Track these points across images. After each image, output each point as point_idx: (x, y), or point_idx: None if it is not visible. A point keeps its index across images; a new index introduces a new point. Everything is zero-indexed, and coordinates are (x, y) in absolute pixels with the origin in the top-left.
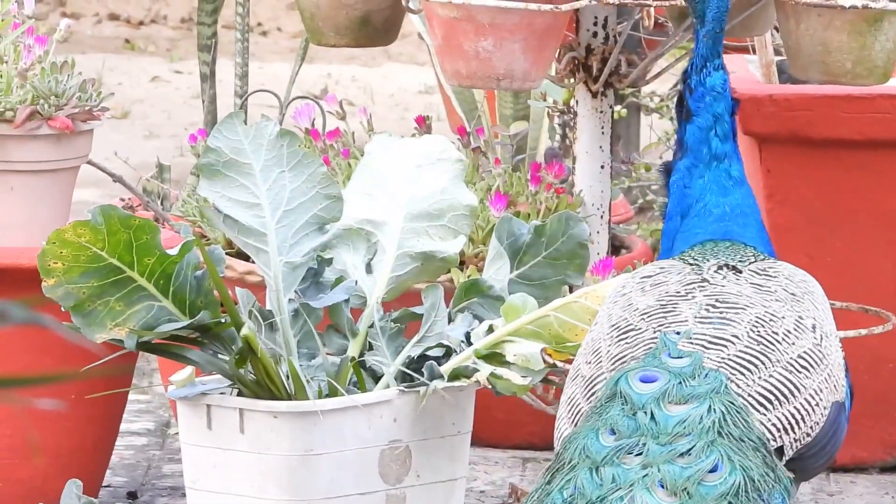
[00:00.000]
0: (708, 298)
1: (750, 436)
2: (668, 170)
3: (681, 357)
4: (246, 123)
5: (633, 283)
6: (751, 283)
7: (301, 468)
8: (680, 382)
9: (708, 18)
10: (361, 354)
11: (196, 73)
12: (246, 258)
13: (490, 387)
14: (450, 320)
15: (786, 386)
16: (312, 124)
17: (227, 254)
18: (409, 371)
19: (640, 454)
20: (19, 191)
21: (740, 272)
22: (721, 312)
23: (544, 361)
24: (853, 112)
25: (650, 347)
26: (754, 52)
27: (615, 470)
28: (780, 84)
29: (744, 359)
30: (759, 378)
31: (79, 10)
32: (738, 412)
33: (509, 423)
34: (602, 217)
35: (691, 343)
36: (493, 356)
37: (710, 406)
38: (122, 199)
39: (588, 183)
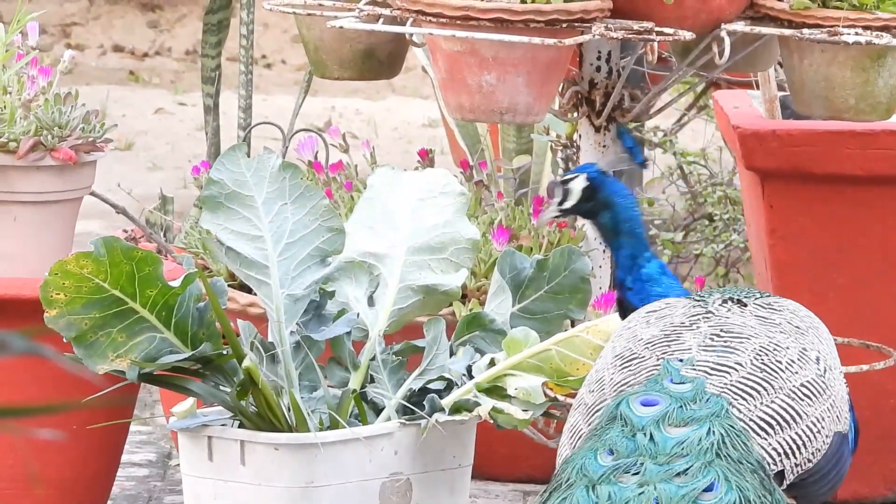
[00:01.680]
0: (712, 328)
1: (749, 458)
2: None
3: (683, 382)
4: (249, 156)
5: (639, 317)
6: (755, 316)
7: (302, 500)
8: (681, 406)
9: (623, 229)
10: (363, 387)
11: (200, 105)
12: (248, 290)
13: (491, 421)
14: (451, 353)
15: (787, 412)
16: (315, 157)
17: (229, 286)
18: (409, 405)
19: (637, 473)
20: (22, 221)
21: (745, 305)
22: (725, 341)
23: (545, 395)
24: (856, 148)
25: (652, 374)
26: (758, 87)
27: (611, 488)
28: (784, 119)
29: (746, 385)
30: (761, 403)
31: (83, 42)
32: (737, 435)
33: (510, 457)
34: (605, 251)
35: (694, 370)
36: (495, 390)
37: (709, 429)
38: (125, 231)
39: None
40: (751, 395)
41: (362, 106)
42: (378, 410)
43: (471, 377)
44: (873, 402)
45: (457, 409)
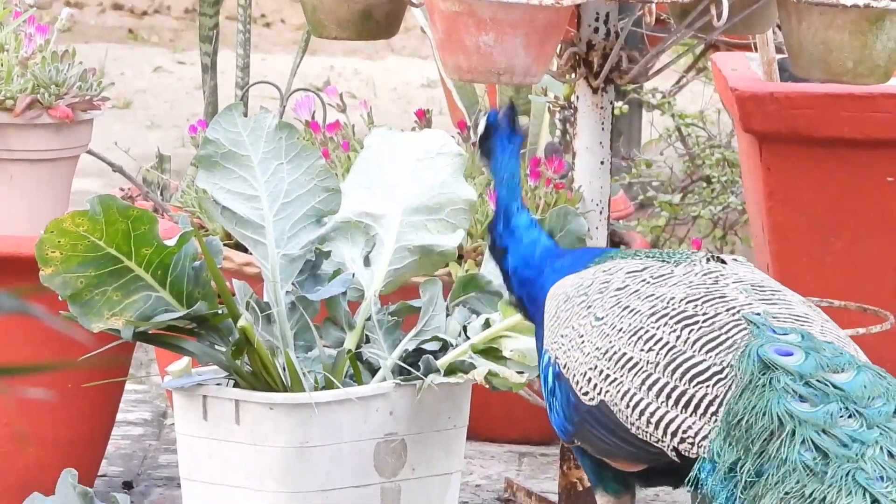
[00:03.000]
0: (742, 283)
1: None
2: (507, 283)
3: (786, 333)
4: (246, 115)
5: (622, 275)
6: (746, 270)
7: (297, 460)
8: (816, 353)
9: (497, 177)
10: (358, 347)
11: (199, 63)
12: (244, 250)
13: (487, 385)
14: (447, 314)
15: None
16: (313, 116)
17: (225, 245)
18: (405, 365)
19: (852, 416)
20: (19, 180)
21: (725, 263)
22: (769, 294)
23: None
24: (854, 111)
25: (738, 327)
26: (756, 49)
27: (846, 431)
28: (782, 82)
29: (830, 333)
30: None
31: (83, 0)
32: (883, 374)
33: (506, 419)
34: (601, 213)
35: (777, 321)
36: (490, 351)
37: (865, 371)
38: (122, 189)
39: (587, 179)
40: (839, 341)
41: (361, 66)
42: (373, 371)
43: (466, 338)
44: None
45: (452, 370)
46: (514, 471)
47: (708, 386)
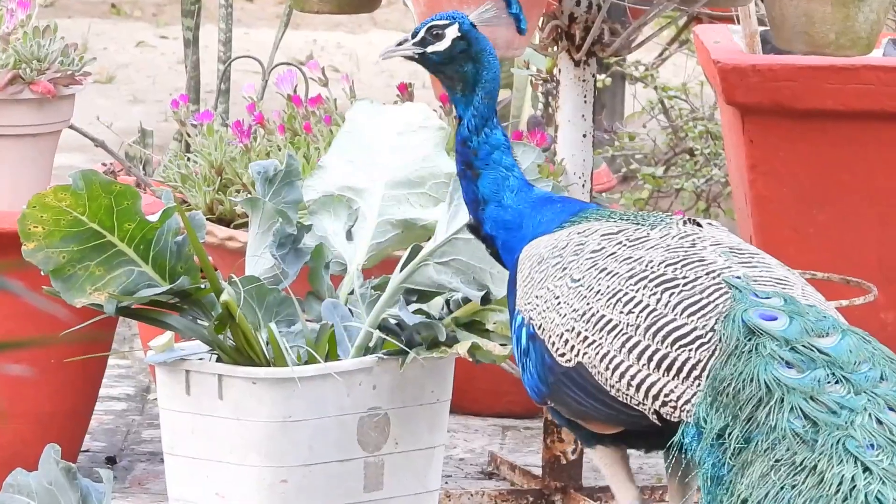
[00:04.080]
0: (720, 246)
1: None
2: (475, 228)
3: (769, 297)
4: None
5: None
6: (722, 234)
7: (280, 435)
8: (800, 317)
9: (484, 86)
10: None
11: (182, 38)
12: (227, 224)
13: (470, 358)
14: None
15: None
16: (295, 90)
17: (207, 219)
18: (389, 338)
19: (839, 382)
20: (1, 155)
21: (701, 226)
22: (748, 258)
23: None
24: (837, 83)
25: (720, 291)
26: (738, 22)
27: (833, 398)
28: (764, 54)
29: (812, 296)
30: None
31: None
32: (868, 339)
33: (490, 392)
34: (584, 185)
35: (758, 284)
36: (473, 324)
37: (850, 334)
38: (105, 164)
39: (570, 152)
40: (821, 304)
41: (344, 40)
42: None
43: (450, 312)
44: None
45: (435, 343)
46: (498, 444)
47: (691, 350)
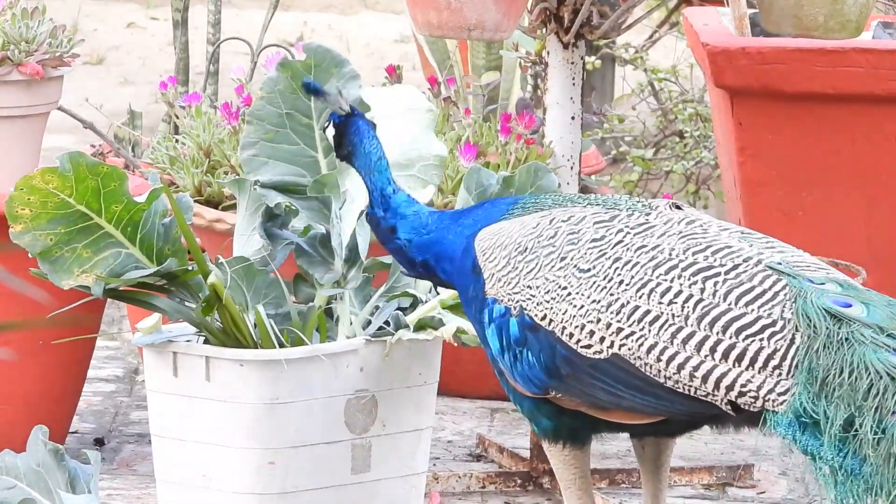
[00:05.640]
0: (730, 231)
1: None
2: (423, 267)
3: (823, 283)
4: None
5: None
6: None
7: (267, 417)
8: (871, 303)
9: (372, 162)
10: (329, 304)
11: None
12: (215, 206)
13: (455, 343)
14: None
15: None
16: None
17: (195, 201)
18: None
19: None
20: None
21: (681, 209)
22: (766, 241)
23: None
24: (826, 66)
25: (772, 279)
26: (728, 4)
27: None
28: (753, 37)
29: (847, 280)
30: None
31: None
32: None
33: (478, 375)
34: (572, 168)
35: (798, 267)
36: (459, 307)
37: None
38: (93, 146)
39: (559, 134)
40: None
41: (335, 21)
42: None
43: (437, 294)
44: None
45: (422, 326)
46: (486, 426)
47: (762, 339)
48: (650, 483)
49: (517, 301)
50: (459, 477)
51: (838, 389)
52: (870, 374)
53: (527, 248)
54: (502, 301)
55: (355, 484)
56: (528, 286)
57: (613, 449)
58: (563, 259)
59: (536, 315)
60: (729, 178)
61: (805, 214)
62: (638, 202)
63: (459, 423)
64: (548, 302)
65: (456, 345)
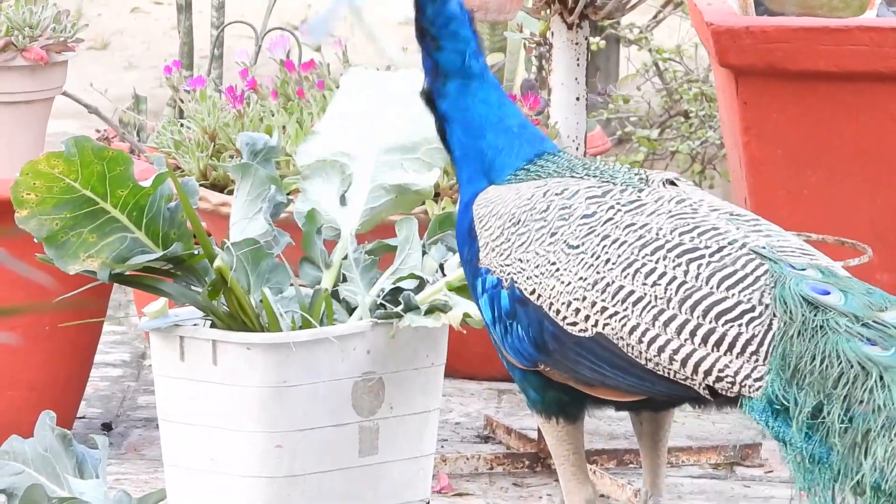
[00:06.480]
0: (720, 212)
1: None
2: (428, 96)
3: (804, 269)
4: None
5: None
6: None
7: (274, 400)
8: (850, 291)
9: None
10: (335, 286)
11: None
12: (220, 190)
13: (464, 332)
14: (424, 252)
15: None
16: (288, 55)
17: (200, 185)
18: (383, 302)
19: None
20: None
21: (676, 185)
22: (753, 224)
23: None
24: (830, 44)
25: (754, 263)
26: None
27: None
28: (757, 16)
29: (832, 264)
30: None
31: None
32: None
33: (485, 356)
34: (577, 149)
35: (782, 252)
36: (465, 288)
37: None
38: (98, 131)
39: (563, 115)
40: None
41: None
42: (350, 310)
43: (444, 276)
44: None
45: (430, 309)
46: (494, 408)
47: (740, 325)
48: (649, 459)
49: (508, 273)
50: (467, 458)
51: (809, 377)
52: (841, 362)
53: (519, 221)
54: (495, 272)
55: (363, 466)
56: (520, 259)
57: (621, 430)
58: (553, 234)
59: (526, 289)
60: (734, 157)
61: (810, 193)
62: (635, 174)
63: (467, 404)
64: (537, 277)
65: (464, 332)
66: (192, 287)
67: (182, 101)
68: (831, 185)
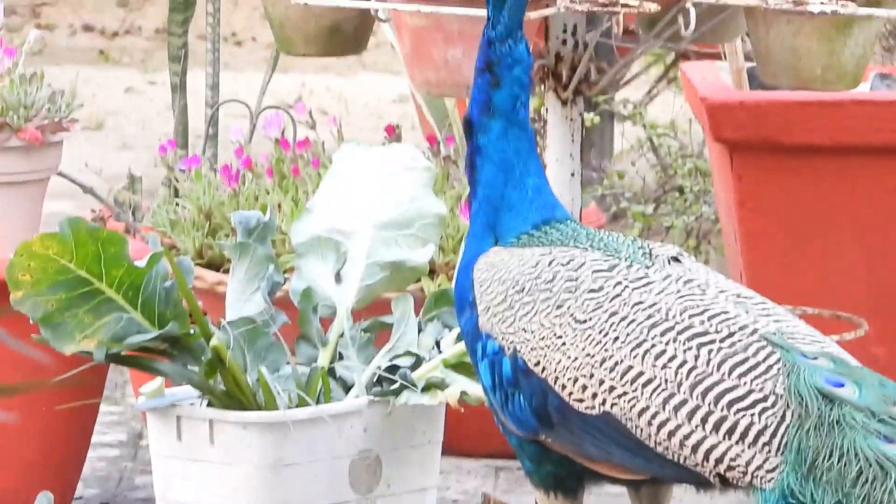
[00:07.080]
0: (727, 293)
1: None
2: (468, 124)
3: (815, 357)
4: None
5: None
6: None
7: (272, 479)
8: (864, 383)
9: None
10: (331, 364)
11: (170, 83)
12: (216, 269)
13: (461, 408)
14: (420, 330)
15: None
16: (283, 134)
17: (196, 264)
18: (381, 377)
19: None
20: None
21: (680, 262)
22: (762, 307)
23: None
24: (825, 118)
25: (766, 351)
26: (725, 58)
27: None
28: (751, 90)
29: (841, 352)
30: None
31: (53, 22)
32: None
33: (482, 433)
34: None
35: (793, 339)
36: (462, 365)
37: None
38: (93, 211)
39: (558, 191)
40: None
41: (333, 83)
42: (347, 387)
43: (440, 352)
44: None
45: (426, 387)
46: (491, 485)
47: (753, 414)
48: None
49: (511, 342)
50: None
51: (827, 474)
52: (859, 460)
53: (524, 289)
54: (496, 338)
55: None
56: (524, 329)
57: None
58: (559, 307)
59: (530, 360)
60: (729, 231)
61: (806, 266)
62: (639, 248)
63: (464, 481)
64: (542, 349)
65: (462, 410)
66: (189, 366)
67: (177, 181)
68: (827, 258)
